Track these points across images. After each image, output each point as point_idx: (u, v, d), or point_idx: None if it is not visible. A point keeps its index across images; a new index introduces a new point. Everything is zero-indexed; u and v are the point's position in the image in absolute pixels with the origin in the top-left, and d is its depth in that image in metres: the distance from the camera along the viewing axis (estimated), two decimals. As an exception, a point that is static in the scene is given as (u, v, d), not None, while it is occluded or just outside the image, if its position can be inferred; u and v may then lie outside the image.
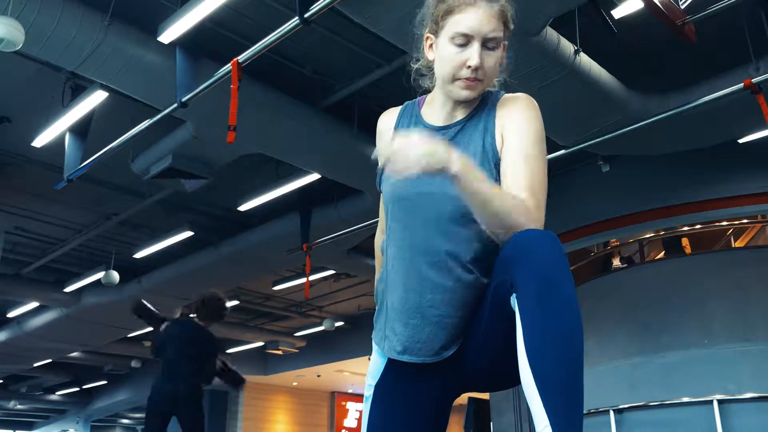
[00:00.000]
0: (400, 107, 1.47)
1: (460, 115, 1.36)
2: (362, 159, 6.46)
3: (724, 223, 8.00)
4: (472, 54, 1.25)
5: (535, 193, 1.23)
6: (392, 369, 1.40)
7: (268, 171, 7.40)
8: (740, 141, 6.15)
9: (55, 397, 20.91)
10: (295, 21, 4.19)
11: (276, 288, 11.26)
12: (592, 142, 5.53)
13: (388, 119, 1.46)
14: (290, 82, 5.95)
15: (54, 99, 5.94)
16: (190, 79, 5.03)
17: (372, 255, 9.60)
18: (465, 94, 1.29)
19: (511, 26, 1.34)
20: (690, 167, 6.63)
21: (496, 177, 1.28)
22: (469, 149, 1.30)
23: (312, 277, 9.23)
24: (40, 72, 5.82)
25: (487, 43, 1.28)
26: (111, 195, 8.21)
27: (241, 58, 4.43)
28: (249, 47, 4.52)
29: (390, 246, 1.36)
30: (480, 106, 1.36)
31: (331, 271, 10.49)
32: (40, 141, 6.45)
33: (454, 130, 1.34)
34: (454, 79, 1.28)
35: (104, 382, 19.21)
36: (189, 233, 8.68)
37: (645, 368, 7.09)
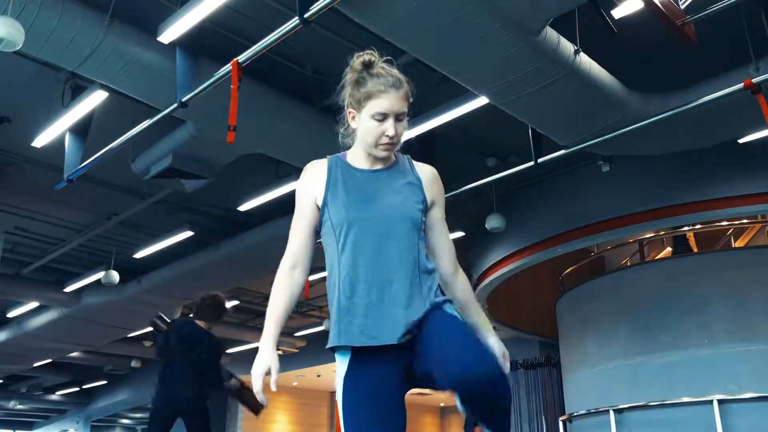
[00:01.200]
0: (324, 160, 1.82)
1: (381, 165, 1.79)
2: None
3: (724, 223, 8.00)
4: (389, 127, 1.70)
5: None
6: (355, 361, 1.68)
7: (268, 171, 7.40)
8: (740, 141, 6.15)
9: (55, 397, 20.92)
10: (295, 21, 4.19)
11: (276, 288, 11.25)
12: (592, 142, 5.53)
13: (317, 168, 1.80)
14: (290, 82, 5.95)
15: (54, 99, 5.94)
16: (190, 79, 5.03)
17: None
18: (384, 154, 1.75)
19: (411, 100, 1.78)
20: (690, 167, 6.64)
21: (422, 210, 1.74)
22: (396, 183, 1.75)
23: (312, 277, 9.23)
24: (40, 72, 5.82)
25: (398, 117, 1.72)
26: (111, 195, 8.21)
27: (241, 58, 4.43)
28: (249, 47, 4.52)
29: (351, 260, 1.73)
30: (395, 160, 1.82)
31: (331, 271, 10.48)
32: (40, 141, 6.45)
33: (381, 173, 1.77)
34: (377, 144, 1.72)
35: (104, 382, 19.22)
36: (189, 233, 8.68)
37: (645, 368, 7.10)
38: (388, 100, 1.70)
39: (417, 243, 1.68)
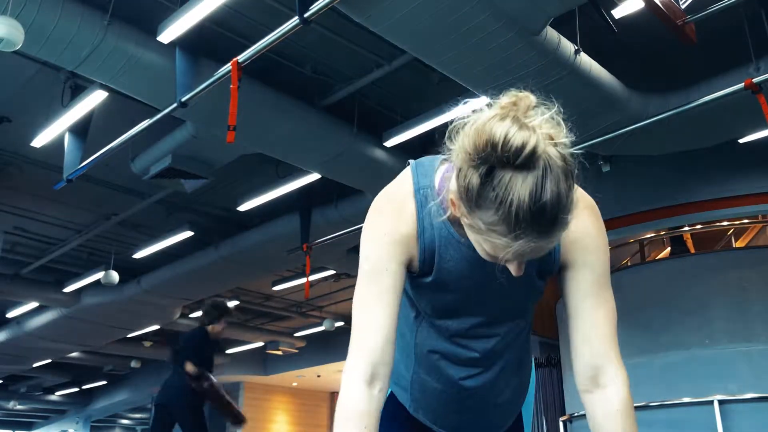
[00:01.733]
0: (408, 200, 1.15)
1: None
2: (362, 159, 6.46)
3: (725, 223, 8.00)
4: (513, 267, 1.01)
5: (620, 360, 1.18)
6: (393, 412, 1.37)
7: (268, 171, 7.40)
8: (740, 141, 6.15)
9: (54, 397, 20.91)
10: (294, 21, 4.19)
11: (276, 288, 11.26)
12: (592, 142, 5.53)
13: (402, 218, 1.15)
14: (290, 82, 5.95)
15: (54, 99, 5.94)
16: (190, 79, 5.03)
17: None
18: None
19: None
20: (690, 167, 6.63)
21: (538, 292, 1.21)
22: (520, 281, 1.09)
23: (312, 277, 9.23)
24: (40, 72, 5.82)
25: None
26: (111, 195, 8.21)
27: (240, 58, 4.43)
28: (249, 47, 4.52)
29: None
30: None
31: (331, 271, 10.49)
32: (40, 141, 6.44)
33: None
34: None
35: (104, 382, 19.21)
36: (189, 233, 8.67)
37: (646, 368, 7.09)
38: (522, 250, 0.94)
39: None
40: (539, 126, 0.92)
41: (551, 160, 0.89)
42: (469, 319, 1.22)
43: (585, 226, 1.16)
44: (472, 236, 1.00)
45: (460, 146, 0.95)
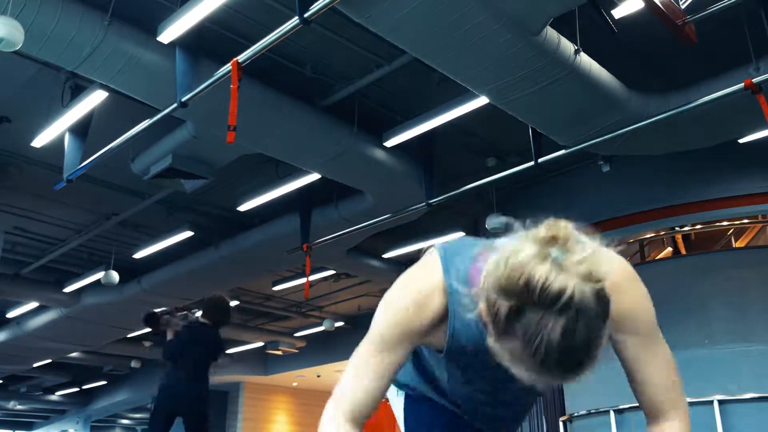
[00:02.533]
0: (440, 297, 1.16)
1: None
2: (362, 159, 6.46)
3: (724, 223, 8.00)
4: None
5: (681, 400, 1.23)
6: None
7: (268, 171, 7.39)
8: (740, 141, 6.15)
9: (54, 397, 20.91)
10: (295, 21, 4.19)
11: (276, 288, 11.26)
12: (592, 142, 5.53)
13: (431, 314, 1.16)
14: (290, 82, 5.95)
15: (54, 99, 5.94)
16: (190, 79, 5.03)
17: (372, 255, 9.62)
18: None
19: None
20: (690, 167, 6.63)
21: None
22: None
23: (312, 277, 9.23)
24: (40, 72, 5.82)
25: None
26: (111, 195, 8.21)
27: (241, 58, 4.43)
28: (249, 47, 4.52)
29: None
30: None
31: (331, 271, 10.49)
32: (40, 141, 6.44)
33: None
34: None
35: (104, 382, 19.21)
36: (189, 233, 8.67)
37: (645, 368, 7.08)
38: (548, 378, 0.95)
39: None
40: (578, 263, 0.91)
41: (585, 302, 0.88)
42: (483, 395, 1.32)
43: (621, 303, 1.11)
44: (495, 348, 0.98)
45: (494, 274, 0.94)
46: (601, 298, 0.90)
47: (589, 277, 0.90)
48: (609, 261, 0.98)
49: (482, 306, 0.98)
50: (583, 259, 0.92)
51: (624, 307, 1.13)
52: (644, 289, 1.21)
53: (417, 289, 1.18)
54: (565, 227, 0.97)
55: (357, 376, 1.15)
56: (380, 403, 1.17)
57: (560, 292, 0.87)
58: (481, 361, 1.17)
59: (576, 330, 0.88)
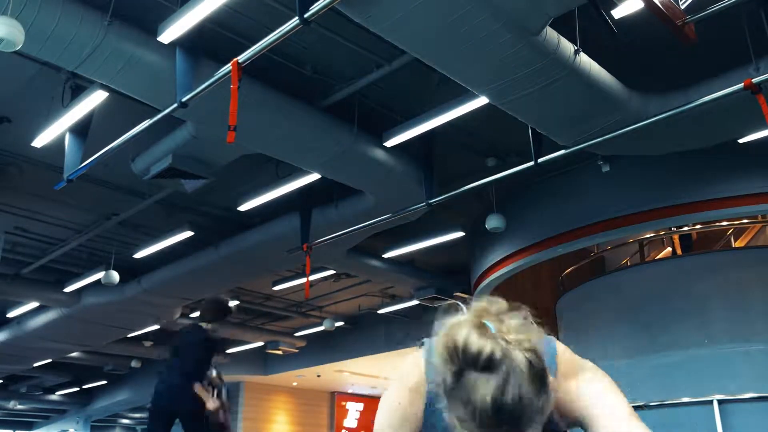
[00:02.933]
0: (420, 394, 1.28)
1: None
2: (362, 159, 6.46)
3: (724, 223, 8.00)
4: None
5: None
6: None
7: (268, 171, 7.40)
8: (740, 141, 6.15)
9: (55, 397, 20.91)
10: (295, 21, 4.19)
11: (276, 288, 11.26)
12: (592, 142, 5.53)
13: (413, 406, 1.28)
14: (290, 82, 5.95)
15: (54, 99, 5.94)
16: (190, 79, 5.03)
17: (372, 255, 9.62)
18: None
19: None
20: (690, 167, 6.63)
21: None
22: None
23: (312, 277, 9.23)
24: (40, 72, 5.82)
25: None
26: (111, 195, 8.21)
27: (241, 58, 4.43)
28: (249, 47, 4.52)
29: None
30: None
31: (331, 271, 10.49)
32: (40, 141, 6.44)
33: None
34: None
35: (104, 382, 19.22)
36: (189, 233, 8.67)
37: (645, 368, 7.09)
38: None
39: None
40: (507, 331, 1.00)
41: (515, 365, 0.96)
42: None
43: (569, 392, 1.20)
44: (450, 420, 1.03)
45: (437, 345, 1.04)
46: (532, 362, 0.97)
47: (519, 343, 0.98)
48: (549, 342, 1.12)
49: (436, 380, 1.05)
50: (514, 328, 1.01)
51: (570, 395, 1.20)
52: (605, 381, 1.25)
53: (405, 385, 1.30)
54: (497, 301, 1.08)
55: None
56: None
57: (479, 351, 0.96)
58: None
59: (505, 390, 0.95)
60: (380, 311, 12.59)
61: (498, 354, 0.96)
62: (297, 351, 14.90)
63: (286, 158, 6.48)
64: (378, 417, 1.30)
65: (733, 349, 6.66)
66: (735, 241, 8.62)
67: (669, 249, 9.02)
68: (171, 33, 4.88)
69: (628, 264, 9.09)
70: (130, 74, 5.02)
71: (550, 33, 4.53)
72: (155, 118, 5.34)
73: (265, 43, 4.41)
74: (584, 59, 4.85)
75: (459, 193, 6.50)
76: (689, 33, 4.48)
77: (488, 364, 0.96)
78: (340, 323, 13.43)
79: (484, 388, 0.95)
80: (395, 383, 1.33)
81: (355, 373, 15.93)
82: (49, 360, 14.89)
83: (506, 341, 0.98)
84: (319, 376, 16.26)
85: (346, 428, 18.36)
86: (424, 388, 1.27)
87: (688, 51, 4.95)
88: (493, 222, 7.59)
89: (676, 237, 8.48)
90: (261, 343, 14.59)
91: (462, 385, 0.98)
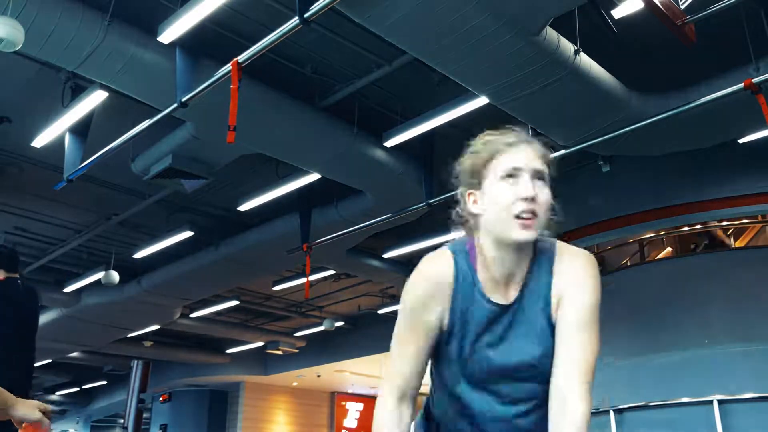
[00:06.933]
0: (449, 257, 1.40)
1: (518, 280, 1.36)
2: (362, 159, 6.46)
3: (724, 223, 8.00)
4: (526, 185, 1.29)
5: (588, 383, 1.29)
6: None
7: (268, 171, 7.40)
8: (740, 141, 6.15)
9: (55, 397, 20.91)
10: (295, 21, 4.19)
11: (276, 288, 11.26)
12: (592, 142, 5.53)
13: (442, 273, 1.38)
14: (290, 82, 5.95)
15: (54, 99, 5.94)
16: (190, 79, 5.03)
17: (372, 255, 9.62)
18: (523, 235, 1.29)
19: (551, 169, 1.38)
20: (690, 167, 6.63)
21: (553, 343, 1.33)
22: (531, 332, 1.34)
23: (312, 277, 9.22)
24: (40, 72, 5.82)
25: (537, 175, 1.33)
26: (111, 195, 8.21)
27: (241, 58, 4.44)
28: (249, 47, 4.52)
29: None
30: (536, 270, 1.38)
31: (331, 271, 10.49)
32: (40, 141, 6.45)
33: (515, 308, 1.35)
34: (511, 218, 1.29)
35: (104, 382, 19.22)
36: (189, 233, 8.67)
37: (645, 368, 7.09)
38: (522, 154, 1.33)
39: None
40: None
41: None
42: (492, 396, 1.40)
43: (569, 267, 1.38)
44: (490, 197, 1.32)
45: (461, 169, 1.45)
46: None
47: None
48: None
49: (470, 204, 1.38)
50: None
51: (566, 269, 1.37)
52: (594, 273, 1.40)
53: (431, 263, 1.41)
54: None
55: (399, 356, 1.37)
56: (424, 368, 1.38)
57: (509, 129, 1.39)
58: (472, 329, 1.35)
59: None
60: (380, 311, 12.59)
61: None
62: (297, 351, 14.90)
63: (286, 158, 6.48)
64: (404, 300, 1.39)
65: (732, 349, 6.65)
66: (735, 241, 8.62)
67: (669, 249, 9.01)
68: (171, 33, 4.88)
69: (628, 264, 9.09)
70: (130, 74, 5.02)
71: (550, 33, 4.53)
72: (155, 118, 5.34)
73: (265, 43, 4.41)
74: (584, 59, 4.85)
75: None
76: (689, 33, 4.48)
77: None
78: (339, 323, 13.42)
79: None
80: (423, 265, 1.41)
81: (355, 373, 15.92)
82: (49, 360, 14.88)
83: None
84: (319, 376, 16.26)
85: (346, 428, 18.36)
86: (447, 267, 1.37)
87: (688, 51, 4.95)
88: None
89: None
90: (261, 343, 14.59)
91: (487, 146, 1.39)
